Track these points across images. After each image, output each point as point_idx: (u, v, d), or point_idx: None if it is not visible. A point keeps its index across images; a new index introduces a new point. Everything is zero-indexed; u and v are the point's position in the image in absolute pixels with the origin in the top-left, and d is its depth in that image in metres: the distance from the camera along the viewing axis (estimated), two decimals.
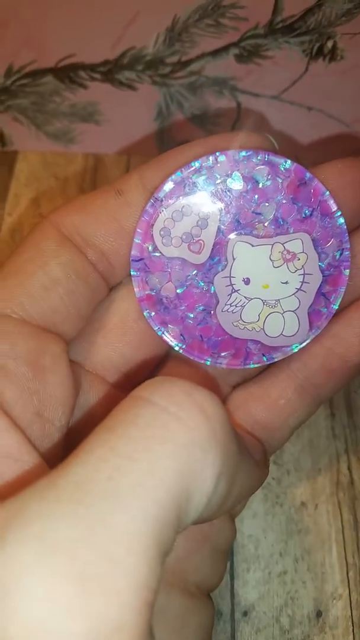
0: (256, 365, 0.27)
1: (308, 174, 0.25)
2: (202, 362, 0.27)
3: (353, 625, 0.32)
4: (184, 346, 0.27)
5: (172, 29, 0.38)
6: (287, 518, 0.34)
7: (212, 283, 0.26)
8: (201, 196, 0.26)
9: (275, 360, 0.27)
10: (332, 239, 0.26)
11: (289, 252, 0.26)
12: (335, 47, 0.40)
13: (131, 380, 0.28)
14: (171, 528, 0.17)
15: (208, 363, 0.27)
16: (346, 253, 0.26)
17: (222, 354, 0.27)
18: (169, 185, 0.25)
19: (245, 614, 0.32)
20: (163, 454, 0.17)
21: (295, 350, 0.27)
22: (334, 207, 0.26)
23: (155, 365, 0.29)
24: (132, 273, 0.26)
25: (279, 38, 0.39)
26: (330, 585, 0.33)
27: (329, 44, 0.39)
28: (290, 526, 0.34)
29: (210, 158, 0.25)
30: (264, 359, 0.27)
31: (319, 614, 0.32)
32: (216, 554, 0.27)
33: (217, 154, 0.25)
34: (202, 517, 0.19)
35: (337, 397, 0.38)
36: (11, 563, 0.15)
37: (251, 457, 0.24)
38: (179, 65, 0.41)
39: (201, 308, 0.27)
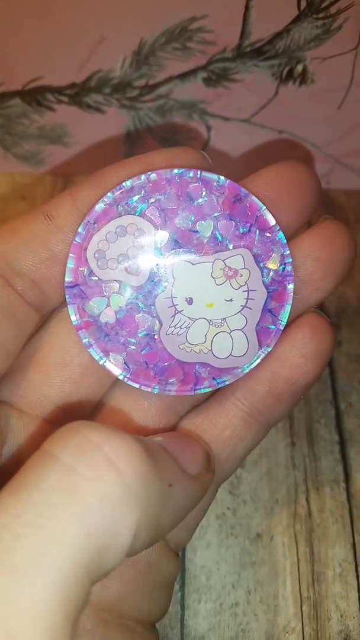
0: (207, 390, 0.27)
1: (243, 190, 0.26)
2: (150, 390, 0.27)
3: None
4: (128, 375, 0.27)
5: (139, 52, 0.40)
6: (242, 549, 0.35)
7: (154, 305, 0.27)
8: (135, 216, 0.26)
9: (227, 383, 0.27)
10: (273, 254, 0.27)
11: (230, 268, 0.26)
12: (305, 71, 0.41)
13: (72, 417, 0.27)
14: (80, 587, 0.17)
15: (156, 391, 0.27)
16: (288, 268, 0.27)
17: (170, 380, 0.27)
18: (100, 207, 0.26)
19: None
20: (69, 520, 0.18)
21: (246, 370, 0.27)
22: (272, 222, 0.26)
23: (97, 399, 0.29)
24: (67, 300, 0.26)
25: (248, 62, 0.40)
26: (283, 618, 0.34)
27: (299, 67, 0.41)
28: (244, 558, 0.35)
29: (142, 177, 0.26)
30: (215, 382, 0.27)
31: None
32: (156, 591, 0.28)
33: (149, 172, 0.26)
34: (129, 555, 0.20)
35: (298, 425, 0.39)
36: None
37: (186, 477, 0.24)
38: (147, 88, 0.42)
39: (144, 333, 0.27)
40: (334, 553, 0.35)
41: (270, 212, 0.27)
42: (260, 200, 0.27)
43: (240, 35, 0.39)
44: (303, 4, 0.37)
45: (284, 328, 0.27)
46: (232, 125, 0.45)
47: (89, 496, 0.18)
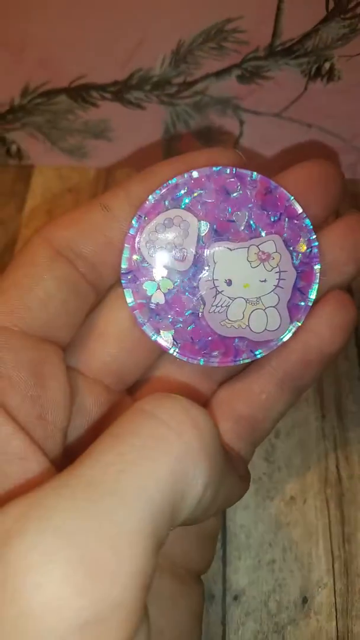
0: (246, 361, 0.30)
1: (273, 183, 0.30)
2: (196, 362, 0.30)
3: (336, 612, 0.36)
4: (177, 349, 0.30)
5: (177, 52, 0.43)
6: (277, 511, 0.38)
7: (198, 287, 0.30)
8: (180, 209, 0.30)
9: (263, 354, 0.30)
10: (301, 238, 0.30)
11: (263, 252, 0.30)
12: (332, 68, 0.44)
13: (124, 382, 0.32)
14: (166, 524, 0.21)
15: (201, 363, 0.30)
16: (315, 250, 0.30)
17: (213, 353, 0.30)
18: (150, 202, 0.30)
19: (235, 598, 0.36)
20: (162, 462, 0.21)
21: (280, 343, 0.30)
22: (299, 210, 0.30)
23: (147, 368, 0.33)
24: (122, 283, 0.30)
25: (279, 60, 0.43)
26: (316, 574, 0.37)
27: (327, 65, 0.43)
28: (280, 518, 0.38)
29: (186, 175, 0.30)
30: (253, 354, 0.30)
31: (304, 600, 0.36)
32: (202, 540, 0.31)
33: (191, 171, 0.30)
34: (190, 519, 0.23)
35: (328, 400, 0.42)
36: (35, 550, 0.18)
37: (235, 472, 0.27)
38: (185, 85, 0.45)
39: (189, 312, 0.30)
40: None
41: (298, 203, 0.30)
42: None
43: (272, 35, 0.41)
44: (331, 5, 0.39)
45: (313, 304, 0.30)
46: (263, 119, 0.47)
47: (177, 446, 0.22)
